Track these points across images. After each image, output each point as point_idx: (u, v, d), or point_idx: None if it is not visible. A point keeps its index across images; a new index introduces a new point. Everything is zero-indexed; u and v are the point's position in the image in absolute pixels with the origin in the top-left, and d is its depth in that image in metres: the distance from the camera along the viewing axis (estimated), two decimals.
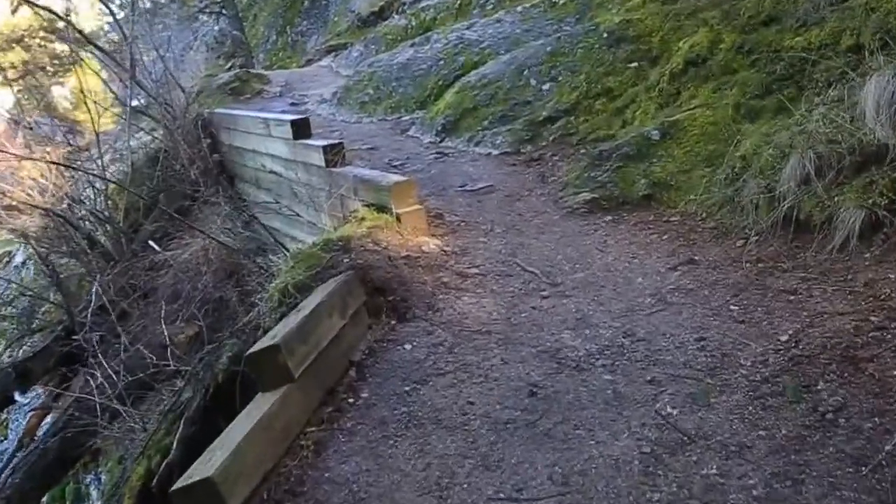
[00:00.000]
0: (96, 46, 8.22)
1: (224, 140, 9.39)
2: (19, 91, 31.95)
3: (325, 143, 6.54)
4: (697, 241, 4.78)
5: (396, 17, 12.93)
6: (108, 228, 8.94)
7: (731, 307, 3.94)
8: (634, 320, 3.98)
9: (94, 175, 8.54)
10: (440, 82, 8.94)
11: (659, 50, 6.73)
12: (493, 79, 7.79)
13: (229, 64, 17.21)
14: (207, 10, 20.90)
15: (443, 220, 5.72)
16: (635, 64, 6.80)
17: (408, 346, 4.02)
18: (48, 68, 31.37)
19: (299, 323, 3.62)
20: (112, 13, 8.27)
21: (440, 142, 7.77)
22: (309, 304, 3.95)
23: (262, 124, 7.89)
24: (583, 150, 6.46)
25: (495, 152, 7.09)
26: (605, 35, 7.27)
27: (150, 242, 8.15)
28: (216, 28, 18.29)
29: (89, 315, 7.70)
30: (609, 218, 5.38)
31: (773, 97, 5.30)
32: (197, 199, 8.85)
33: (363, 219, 5.42)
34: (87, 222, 8.66)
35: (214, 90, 10.91)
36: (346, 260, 4.76)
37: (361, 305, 4.38)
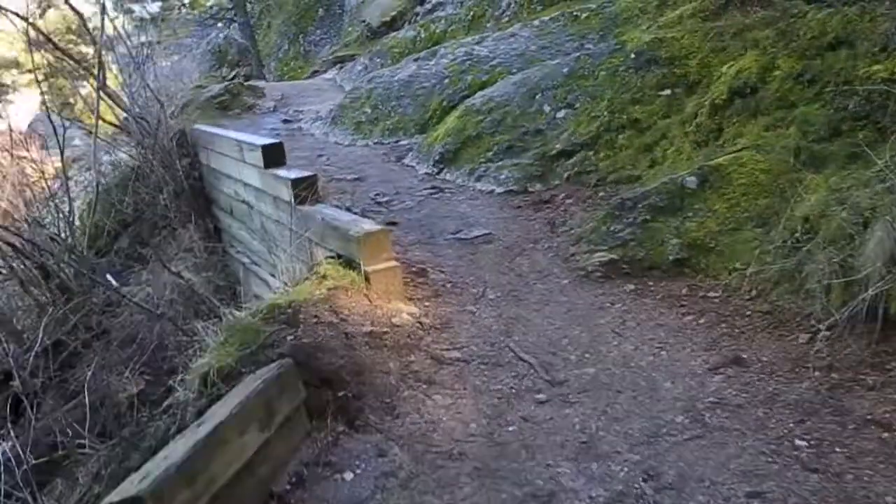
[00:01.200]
0: (63, 52, 7.28)
1: (203, 160, 8.40)
2: (44, 93, 31.72)
3: (295, 175, 5.51)
4: (745, 329, 3.66)
5: (405, 28, 11.92)
6: (68, 257, 7.96)
7: (797, 441, 2.83)
8: (660, 451, 2.88)
9: (51, 195, 7.59)
10: (444, 103, 7.90)
11: (697, 75, 5.63)
12: (500, 102, 6.73)
13: (232, 73, 16.33)
14: (219, 17, 20.09)
15: (425, 277, 4.65)
16: (668, 91, 5.71)
17: (349, 476, 2.96)
18: (74, 70, 31.07)
19: (187, 455, 2.57)
20: (80, 16, 7.32)
21: (437, 173, 6.72)
22: (214, 416, 2.90)
23: (235, 147, 6.88)
24: (601, 194, 5.38)
25: (499, 190, 6.02)
26: (633, 56, 6.18)
27: (108, 276, 7.16)
28: (221, 36, 17.42)
29: (31, 357, 6.73)
30: (631, 287, 4.27)
31: (845, 140, 4.19)
32: (166, 226, 7.87)
33: (325, 277, 4.38)
34: (40, 252, 7.68)
35: (202, 103, 9.94)
36: (290, 338, 3.73)
37: (299, 405, 3.33)
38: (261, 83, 12.85)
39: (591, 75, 6.34)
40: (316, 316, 3.94)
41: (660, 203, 4.56)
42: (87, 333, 7.01)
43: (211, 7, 19.73)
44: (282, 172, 5.75)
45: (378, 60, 11.42)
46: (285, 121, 9.86)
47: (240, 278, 7.31)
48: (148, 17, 18.28)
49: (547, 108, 6.33)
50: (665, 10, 6.85)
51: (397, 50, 11.18)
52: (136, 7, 18.31)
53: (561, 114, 6.20)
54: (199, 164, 8.48)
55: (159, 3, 18.43)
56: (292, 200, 5.44)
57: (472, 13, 10.44)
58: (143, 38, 24.26)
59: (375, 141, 8.27)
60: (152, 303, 6.80)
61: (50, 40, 7.26)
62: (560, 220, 5.28)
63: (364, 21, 14.58)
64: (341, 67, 13.00)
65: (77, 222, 8.77)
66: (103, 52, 8.75)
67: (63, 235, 8.07)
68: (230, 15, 19.73)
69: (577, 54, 6.90)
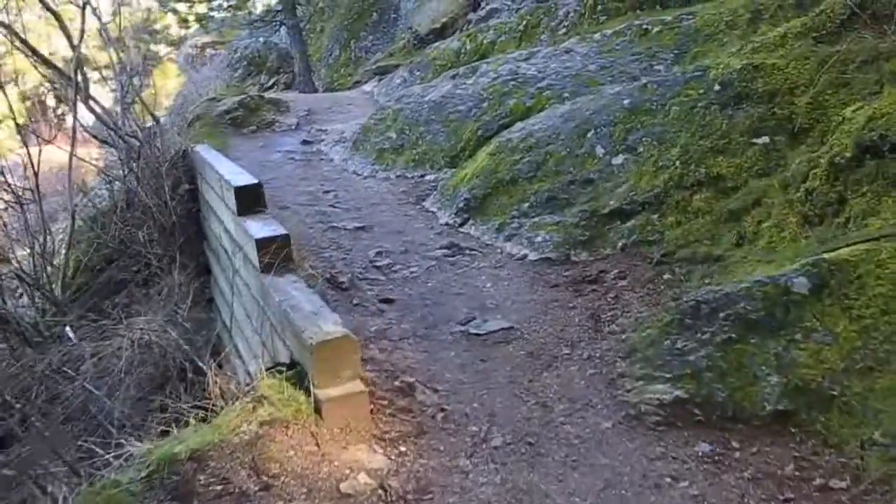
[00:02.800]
0: (42, 59, 6.22)
1: (201, 189, 7.24)
2: (112, 91, 31.82)
3: (262, 232, 4.25)
4: None
5: (451, 38, 10.58)
6: (35, 298, 6.90)
7: None
8: None
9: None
10: (479, 132, 6.55)
11: (807, 119, 4.13)
12: (543, 138, 5.33)
13: (271, 81, 15.28)
14: (267, 20, 19.09)
15: (410, 398, 3.33)
16: (765, 139, 4.23)
17: None
18: (142, 69, 31.06)
19: None
20: (59, 18, 6.24)
21: (460, 225, 5.37)
22: None
23: (217, 181, 5.68)
24: (667, 276, 3.95)
25: (532, 256, 4.64)
26: (718, 87, 4.70)
27: (67, 329, 6.04)
28: (260, 40, 16.39)
29: None
30: (705, 449, 2.83)
31: None
32: (148, 266, 6.74)
33: (260, 401, 3.11)
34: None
35: (213, 119, 8.82)
36: None
37: None
38: (289, 95, 11.69)
39: (660, 110, 4.88)
40: (226, 479, 2.67)
41: (752, 314, 3.10)
42: (32, 400, 5.91)
43: (260, 10, 18.65)
44: (252, 225, 4.49)
45: (418, 74, 10.12)
46: (305, 141, 8.64)
47: (223, 339, 6.10)
48: (193, 18, 17.35)
49: (600, 151, 4.91)
50: (761, 24, 5.37)
51: (440, 62, 9.86)
52: (181, 7, 17.43)
53: (618, 160, 4.77)
54: (199, 194, 7.32)
55: (205, 4, 17.47)
56: (257, 265, 4.19)
57: (525, 22, 9.04)
58: (199, 41, 23.53)
59: (398, 174, 6.97)
60: (110, 369, 5.65)
61: (24, 42, 6.19)
62: (608, 312, 3.86)
63: (411, 28, 13.31)
64: (381, 79, 11.76)
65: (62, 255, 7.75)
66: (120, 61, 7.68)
67: (34, 271, 7.01)
68: (280, 17, 18.66)
69: (644, 81, 5.45)
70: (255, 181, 4.93)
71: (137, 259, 6.78)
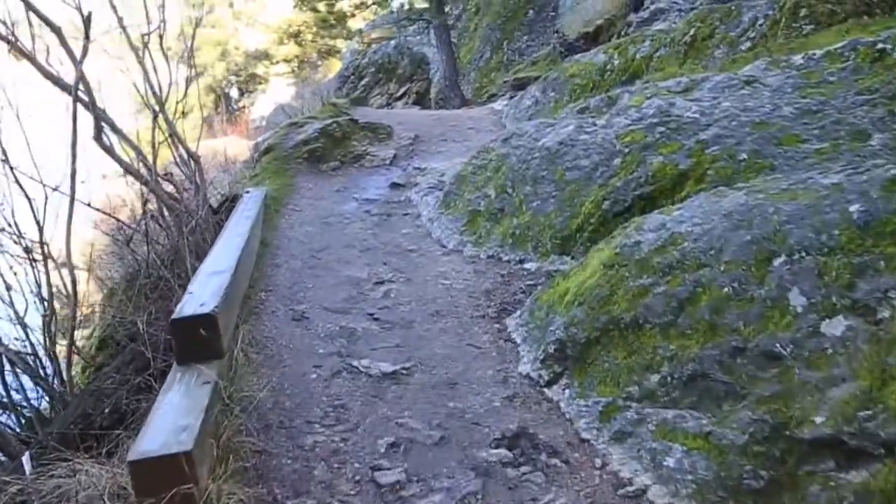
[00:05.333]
0: (32, 61, 4.84)
1: None
2: (290, 84, 32.33)
3: (154, 444, 2.42)
4: None
5: (598, 49, 8.30)
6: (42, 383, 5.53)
7: None
8: None
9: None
10: (604, 204, 4.41)
11: None
12: (693, 252, 3.09)
13: (402, 90, 13.62)
14: (414, 18, 17.46)
15: None
16: None
17: None
18: (318, 62, 31.46)
19: None
20: (59, 34, 4.82)
21: (546, 384, 3.29)
22: None
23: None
24: None
25: (661, 499, 2.49)
26: None
27: (25, 457, 4.55)
28: (391, 45, 14.73)
29: None
30: None
31: None
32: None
33: None
34: None
35: (287, 151, 7.17)
36: None
37: None
38: (405, 112, 9.88)
39: None
40: None
41: None
42: None
43: (402, 6, 17.00)
44: (167, 403, 2.69)
45: (552, 95, 7.97)
46: (394, 185, 6.80)
47: None
48: (333, 20, 16.07)
49: (798, 301, 2.61)
50: None
51: (579, 81, 7.65)
52: (321, 6, 16.19)
53: (835, 326, 2.48)
54: None
55: (347, 2, 16.14)
56: None
57: (693, 31, 6.63)
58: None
59: (489, 252, 4.95)
60: None
61: (24, 54, 4.82)
62: None
63: (558, 32, 11.10)
64: (514, 95, 9.70)
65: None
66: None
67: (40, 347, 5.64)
68: (426, 16, 16.96)
69: (889, 142, 3.08)
70: (209, 310, 3.10)
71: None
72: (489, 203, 5.35)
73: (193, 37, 6.81)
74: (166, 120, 5.86)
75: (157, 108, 5.89)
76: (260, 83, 32.31)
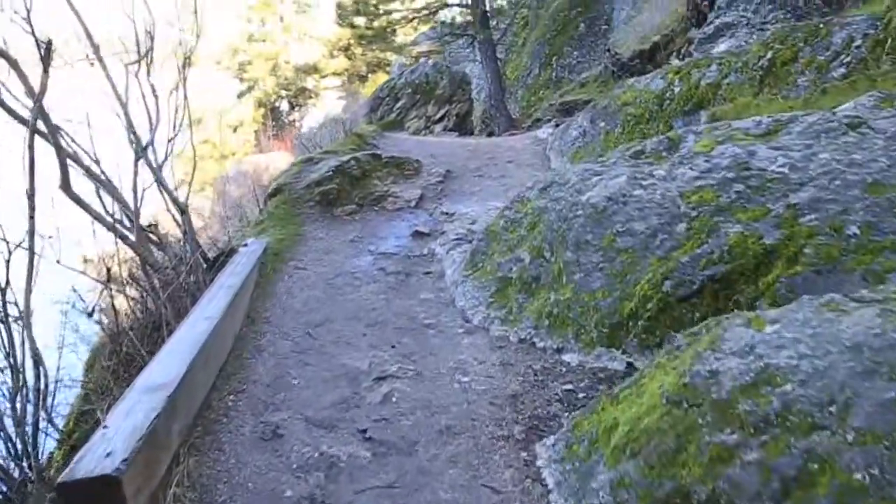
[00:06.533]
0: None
1: None
2: (340, 98, 32.13)
3: None
4: None
5: (654, 73, 7.27)
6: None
7: None
8: None
9: None
10: (664, 284, 3.44)
11: None
12: (798, 399, 2.10)
13: (440, 113, 12.74)
14: (459, 33, 16.59)
15: None
16: None
17: None
18: (367, 75, 31.26)
19: None
20: (15, 66, 4.07)
21: None
22: None
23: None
24: None
25: None
26: None
27: None
28: (429, 63, 13.85)
29: None
30: None
31: None
32: None
33: None
34: None
35: (298, 192, 6.33)
36: None
37: None
38: (437, 142, 8.97)
39: None
40: None
41: None
42: None
43: (444, 22, 16.14)
44: None
45: (601, 125, 6.98)
46: (417, 233, 5.90)
47: None
48: (372, 36, 15.31)
49: None
50: None
51: (633, 110, 6.65)
52: (360, 20, 15.47)
53: None
54: None
55: (386, 18, 15.37)
56: None
57: (770, 53, 5.58)
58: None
59: (521, 335, 4.02)
60: None
61: None
62: None
63: (609, 50, 10.07)
64: (559, 122, 8.72)
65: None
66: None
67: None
68: (471, 31, 16.06)
69: None
70: (111, 470, 2.23)
71: None
72: (522, 269, 4.40)
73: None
74: (148, 165, 5.08)
75: (139, 149, 5.12)
76: (310, 97, 32.12)
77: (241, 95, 29.02)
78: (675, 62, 9.25)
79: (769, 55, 5.49)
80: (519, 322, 4.13)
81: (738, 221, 3.41)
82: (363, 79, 31.40)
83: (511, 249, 4.64)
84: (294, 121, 31.30)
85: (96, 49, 5.07)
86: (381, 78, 26.31)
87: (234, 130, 27.76)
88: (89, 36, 5.05)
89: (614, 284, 3.73)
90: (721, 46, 8.09)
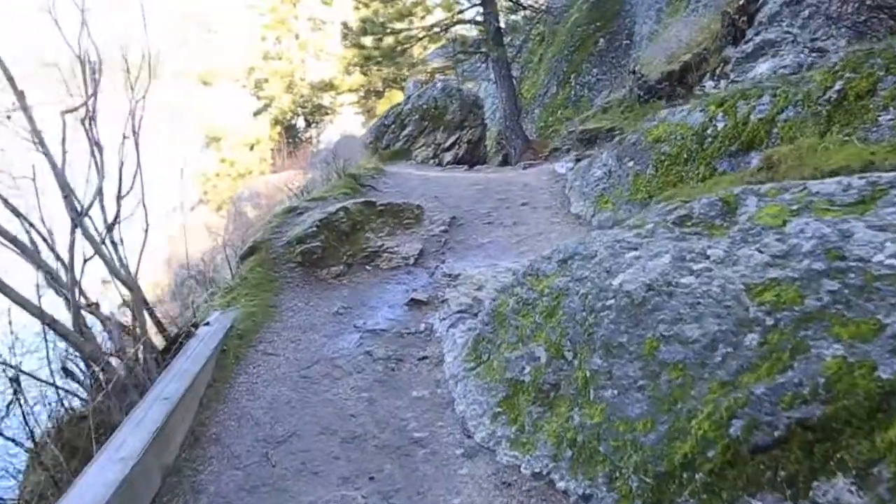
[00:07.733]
0: None
1: None
2: (357, 113, 31.73)
3: None
4: None
5: (690, 104, 6.27)
6: None
7: None
8: None
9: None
10: (732, 425, 2.45)
11: None
12: None
13: (451, 140, 11.80)
14: (472, 51, 15.65)
15: None
16: None
17: None
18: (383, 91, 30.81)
19: None
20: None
21: None
22: None
23: None
24: None
25: None
26: None
27: None
28: (437, 86, 12.93)
29: None
30: None
31: None
32: None
33: None
34: None
35: (277, 251, 5.42)
36: None
37: None
38: (437, 178, 8.02)
39: None
40: None
41: None
42: None
43: (456, 40, 15.18)
44: None
45: (629, 165, 6.00)
46: (413, 301, 4.96)
47: None
48: (379, 57, 14.44)
49: None
50: None
51: (667, 149, 5.66)
52: (367, 40, 14.60)
53: None
54: None
55: (395, 37, 14.50)
56: None
57: (840, 83, 4.57)
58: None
59: (534, 469, 3.07)
60: None
61: None
62: None
63: (634, 72, 9.10)
64: (580, 156, 7.76)
65: None
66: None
67: None
68: (484, 48, 15.11)
69: None
70: None
71: None
72: (537, 371, 3.45)
73: None
74: (85, 235, 4.18)
75: (75, 215, 4.23)
76: (326, 113, 31.72)
77: (257, 113, 28.52)
78: (708, 84, 8.27)
79: (838, 85, 4.48)
80: (533, 447, 3.18)
81: (837, 339, 2.44)
82: (379, 94, 30.95)
83: (523, 341, 3.68)
84: (310, 138, 30.84)
85: (20, 96, 4.19)
86: (397, 95, 25.59)
87: (251, 149, 27.25)
88: (11, 80, 4.17)
89: (660, 414, 2.76)
90: (762, 67, 7.11)
